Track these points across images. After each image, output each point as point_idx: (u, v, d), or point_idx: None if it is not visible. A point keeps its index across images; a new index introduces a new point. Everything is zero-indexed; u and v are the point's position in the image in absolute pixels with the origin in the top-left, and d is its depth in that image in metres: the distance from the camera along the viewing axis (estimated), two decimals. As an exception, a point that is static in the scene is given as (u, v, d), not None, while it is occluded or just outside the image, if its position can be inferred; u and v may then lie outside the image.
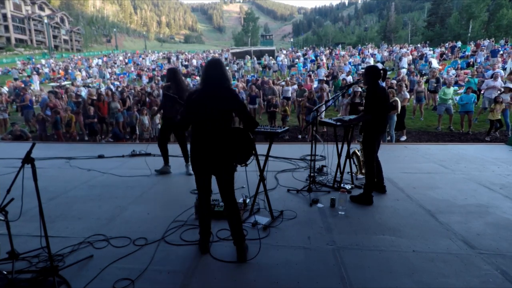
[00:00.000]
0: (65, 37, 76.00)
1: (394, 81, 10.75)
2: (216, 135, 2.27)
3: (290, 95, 11.67)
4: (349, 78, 13.41)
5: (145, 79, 22.94)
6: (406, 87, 10.02)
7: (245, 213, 3.19)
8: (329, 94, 11.54)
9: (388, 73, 18.44)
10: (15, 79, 24.29)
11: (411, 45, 34.31)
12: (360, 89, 8.18)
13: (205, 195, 2.50)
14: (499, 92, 9.03)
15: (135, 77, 24.47)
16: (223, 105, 2.27)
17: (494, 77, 9.54)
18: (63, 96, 12.62)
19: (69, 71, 28.07)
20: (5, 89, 13.54)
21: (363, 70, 4.29)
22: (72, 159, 5.56)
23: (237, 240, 2.39)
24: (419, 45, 32.02)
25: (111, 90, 12.01)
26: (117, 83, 19.92)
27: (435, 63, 17.29)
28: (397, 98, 7.16)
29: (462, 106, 8.55)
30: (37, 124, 9.14)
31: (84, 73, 27.03)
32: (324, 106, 4.72)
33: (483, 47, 21.92)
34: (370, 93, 3.31)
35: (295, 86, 11.90)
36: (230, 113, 2.33)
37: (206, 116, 2.27)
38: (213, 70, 2.35)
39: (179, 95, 4.21)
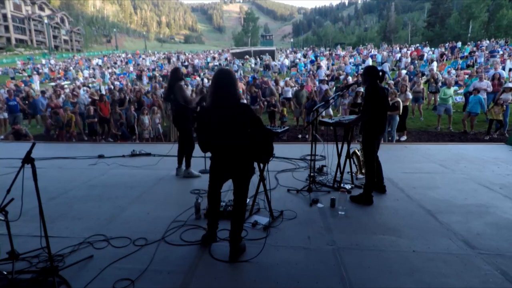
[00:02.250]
0: (65, 37, 76.06)
1: (392, 82, 10.76)
2: (234, 151, 2.30)
3: (290, 95, 11.69)
4: (349, 79, 13.42)
5: (145, 79, 22.93)
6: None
7: (245, 213, 3.19)
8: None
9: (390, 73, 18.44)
10: (12, 78, 24.38)
11: (411, 45, 34.31)
12: (362, 89, 8.19)
13: (215, 193, 2.56)
14: (486, 92, 9.08)
15: (135, 77, 24.46)
16: (235, 123, 2.24)
17: (479, 77, 9.63)
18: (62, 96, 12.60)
19: (69, 71, 28.05)
20: (2, 91, 13.44)
21: (362, 70, 4.29)
22: (75, 158, 5.56)
23: (233, 239, 2.41)
24: (416, 45, 32.05)
25: (114, 92, 11.94)
26: (117, 82, 19.91)
27: (435, 64, 17.30)
28: (399, 99, 7.14)
29: (469, 107, 8.49)
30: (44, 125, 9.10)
31: (86, 73, 27.08)
32: (324, 106, 4.73)
33: (483, 48, 21.94)
34: (369, 94, 3.31)
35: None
36: (245, 127, 2.29)
37: (221, 135, 2.27)
38: (220, 84, 2.27)
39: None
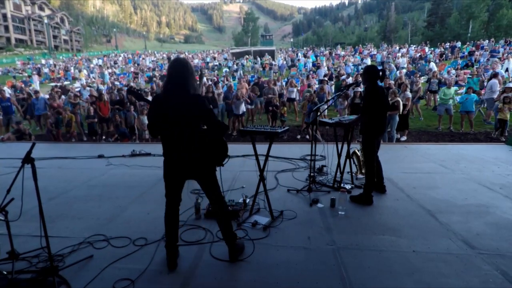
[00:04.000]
0: (65, 37, 76.03)
1: (392, 82, 10.77)
2: (184, 142, 2.15)
3: (295, 96, 11.73)
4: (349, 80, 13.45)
5: (143, 80, 22.87)
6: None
7: (245, 213, 3.19)
8: (330, 94, 11.57)
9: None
10: (14, 77, 24.42)
11: (411, 45, 34.30)
12: (360, 90, 8.18)
13: (174, 201, 2.33)
14: (499, 91, 9.05)
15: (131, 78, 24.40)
16: (186, 112, 2.11)
17: (495, 77, 9.56)
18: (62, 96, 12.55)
19: (68, 71, 28.00)
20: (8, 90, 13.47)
21: (362, 70, 4.29)
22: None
23: (228, 240, 2.39)
24: (415, 45, 32.05)
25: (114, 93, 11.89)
26: (117, 83, 19.88)
27: (434, 65, 17.30)
28: (399, 99, 7.14)
29: (462, 106, 8.57)
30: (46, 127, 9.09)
31: (86, 72, 27.06)
32: (325, 106, 4.73)
33: (486, 47, 21.93)
34: (369, 93, 3.30)
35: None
36: (196, 119, 2.16)
37: (171, 124, 2.13)
38: (175, 73, 2.16)
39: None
